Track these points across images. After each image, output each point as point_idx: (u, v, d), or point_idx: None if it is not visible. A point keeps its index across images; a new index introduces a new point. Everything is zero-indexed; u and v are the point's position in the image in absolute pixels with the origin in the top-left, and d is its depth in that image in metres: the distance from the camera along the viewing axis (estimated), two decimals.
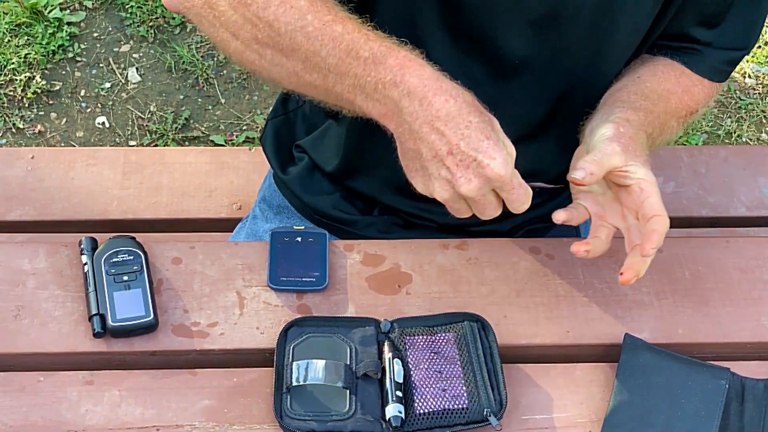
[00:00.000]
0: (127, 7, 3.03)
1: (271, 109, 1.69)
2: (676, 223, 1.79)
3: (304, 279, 1.34)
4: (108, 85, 2.88)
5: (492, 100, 1.16)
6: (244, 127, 2.82)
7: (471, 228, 1.52)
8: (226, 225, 1.73)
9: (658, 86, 1.38)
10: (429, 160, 1.11)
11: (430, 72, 1.11)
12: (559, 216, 1.26)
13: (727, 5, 1.35)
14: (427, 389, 1.23)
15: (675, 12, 1.35)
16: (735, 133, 2.93)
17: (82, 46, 2.95)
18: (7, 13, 2.95)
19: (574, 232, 1.65)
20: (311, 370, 1.23)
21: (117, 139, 2.77)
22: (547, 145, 1.42)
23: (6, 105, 2.80)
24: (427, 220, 1.53)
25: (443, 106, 1.09)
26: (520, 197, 1.13)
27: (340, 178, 1.55)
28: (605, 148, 1.21)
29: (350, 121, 1.41)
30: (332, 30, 1.13)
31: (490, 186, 1.11)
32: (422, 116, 1.09)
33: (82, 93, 2.86)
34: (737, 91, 3.04)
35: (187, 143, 2.77)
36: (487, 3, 1.24)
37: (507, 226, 1.54)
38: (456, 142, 1.08)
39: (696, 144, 2.87)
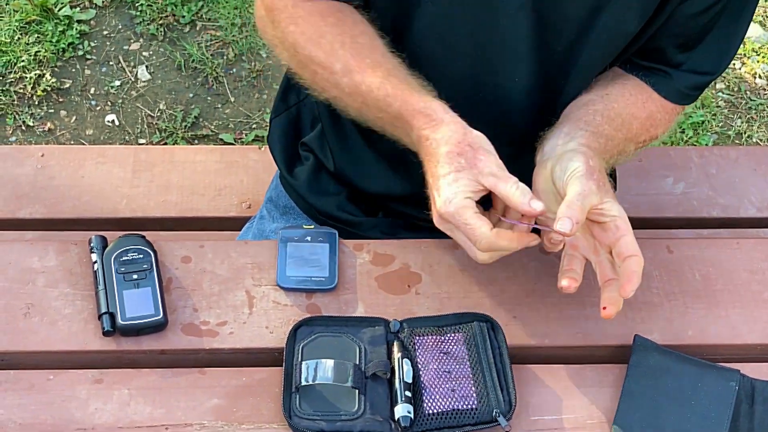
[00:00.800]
0: (137, 5, 3.03)
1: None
2: (686, 223, 1.80)
3: (313, 278, 1.34)
4: (118, 83, 2.88)
5: (491, 120, 1.23)
6: (254, 126, 2.82)
7: None
8: (235, 224, 1.73)
9: (623, 109, 1.37)
10: None
11: (424, 121, 1.22)
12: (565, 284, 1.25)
13: (707, 30, 1.34)
14: (436, 389, 1.23)
15: (654, 32, 1.35)
16: (745, 133, 2.93)
17: (92, 44, 2.95)
18: (17, 11, 2.96)
19: None
20: (320, 369, 1.23)
21: (126, 137, 2.77)
22: None
23: (16, 102, 2.81)
24: (431, 222, 1.54)
25: (425, 145, 1.22)
26: (469, 234, 1.18)
27: (343, 178, 1.55)
28: (583, 189, 1.18)
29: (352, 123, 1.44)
30: (365, 86, 1.26)
31: (445, 220, 1.20)
32: (422, 154, 1.24)
33: (92, 91, 2.86)
34: (748, 92, 3.03)
35: (196, 141, 2.77)
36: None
37: None
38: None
39: (706, 144, 2.86)
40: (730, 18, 1.33)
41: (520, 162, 1.27)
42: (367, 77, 1.26)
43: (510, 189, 1.16)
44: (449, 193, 1.16)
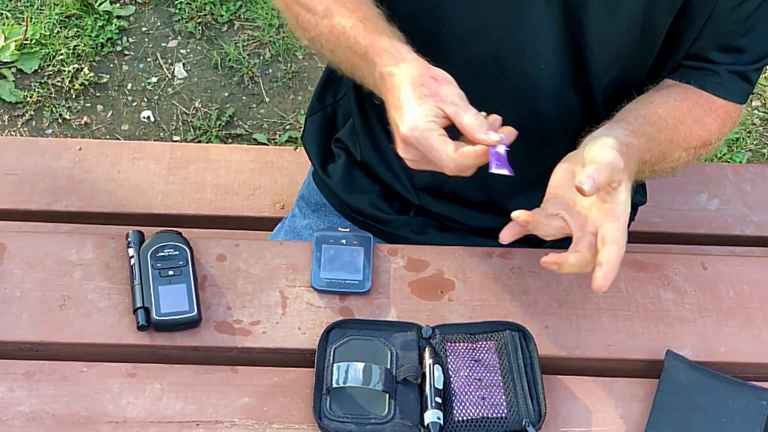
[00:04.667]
0: (176, 3, 3.05)
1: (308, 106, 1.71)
2: (719, 240, 1.79)
3: (347, 281, 1.35)
4: (154, 79, 2.90)
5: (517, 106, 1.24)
6: (288, 127, 2.83)
7: None
8: (268, 224, 1.74)
9: (668, 114, 1.35)
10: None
11: (387, 58, 1.22)
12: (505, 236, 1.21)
13: (747, 30, 1.34)
14: (467, 396, 1.23)
15: (697, 34, 1.34)
16: None
17: (131, 40, 2.97)
18: (57, 5, 2.98)
19: None
20: (352, 372, 1.23)
21: (161, 134, 2.79)
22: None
23: (53, 95, 2.83)
24: (460, 223, 1.54)
25: (387, 80, 1.21)
26: (435, 159, 1.14)
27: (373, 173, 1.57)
28: (614, 161, 1.16)
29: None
30: (340, 26, 1.28)
31: (410, 145, 1.16)
32: (383, 91, 1.22)
33: (129, 86, 2.88)
34: None
35: (230, 140, 2.79)
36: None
37: None
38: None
39: (740, 162, 2.85)
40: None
41: (548, 152, 1.27)
42: (344, 18, 1.28)
43: (468, 119, 1.15)
44: (413, 118, 1.15)
